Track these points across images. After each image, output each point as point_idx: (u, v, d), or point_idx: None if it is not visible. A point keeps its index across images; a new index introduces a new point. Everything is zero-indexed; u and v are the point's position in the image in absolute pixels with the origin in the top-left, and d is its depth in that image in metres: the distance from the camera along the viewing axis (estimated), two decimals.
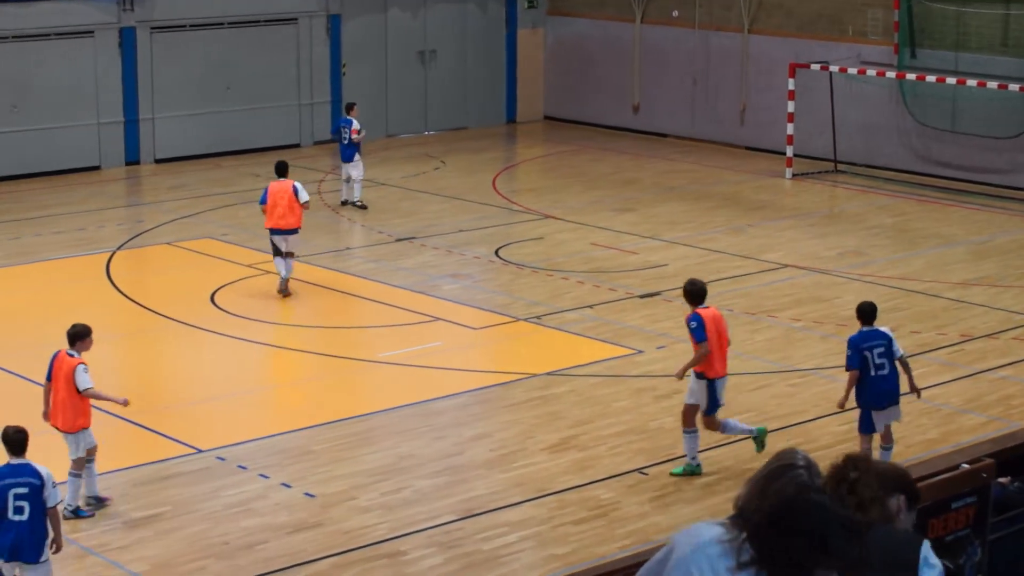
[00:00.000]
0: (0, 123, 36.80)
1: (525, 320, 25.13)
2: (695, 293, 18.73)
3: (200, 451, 19.70)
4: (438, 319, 25.17)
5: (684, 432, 18.79)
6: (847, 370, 18.09)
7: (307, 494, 18.28)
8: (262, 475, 18.87)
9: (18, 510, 14.55)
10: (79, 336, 17.67)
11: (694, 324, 18.39)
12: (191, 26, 39.45)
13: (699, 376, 18.51)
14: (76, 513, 17.27)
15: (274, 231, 26.21)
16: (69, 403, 17.29)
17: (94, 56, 38.16)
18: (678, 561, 5.90)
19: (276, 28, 40.73)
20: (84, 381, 17.20)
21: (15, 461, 14.83)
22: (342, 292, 27.15)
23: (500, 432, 20.40)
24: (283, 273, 26.27)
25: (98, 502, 17.65)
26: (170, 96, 39.01)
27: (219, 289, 26.79)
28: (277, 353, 23.99)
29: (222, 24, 39.86)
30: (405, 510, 17.80)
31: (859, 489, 7.48)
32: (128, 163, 38.53)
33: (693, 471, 18.78)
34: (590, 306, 25.84)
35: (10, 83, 36.91)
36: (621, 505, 17.97)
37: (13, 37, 36.96)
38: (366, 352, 23.99)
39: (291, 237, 26.23)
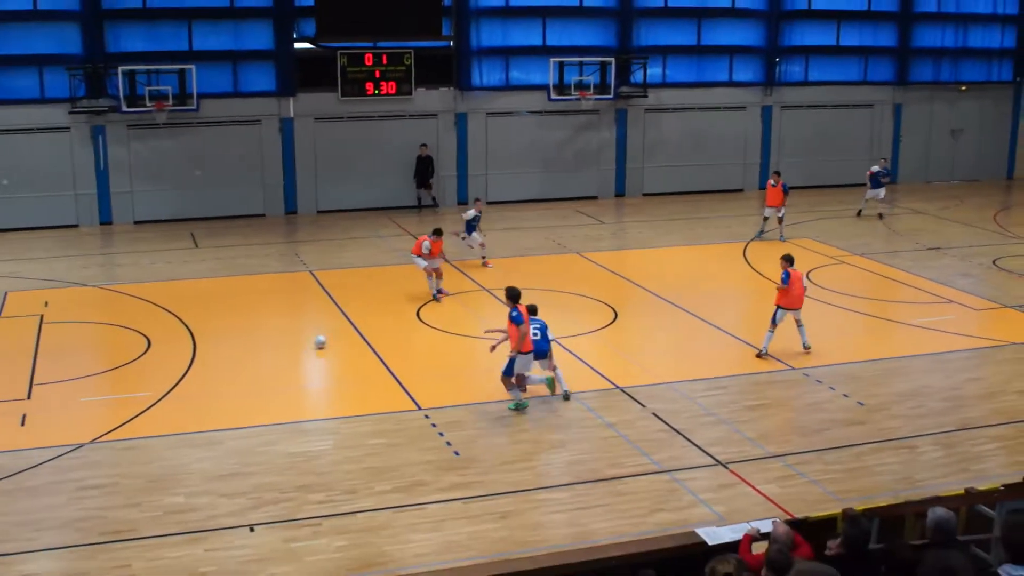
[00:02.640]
0: (683, 160, 37.74)
1: (1011, 307, 23.64)
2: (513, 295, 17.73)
3: (793, 368, 19.63)
4: (951, 301, 24.02)
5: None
6: None
7: (859, 403, 17.93)
8: (831, 387, 18.60)
9: (534, 334, 17.60)
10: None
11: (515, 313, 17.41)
12: (807, 105, 39.09)
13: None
14: None
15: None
16: None
17: (746, 122, 38.44)
18: None
19: (857, 110, 39.77)
20: None
21: (520, 307, 17.43)
22: (889, 279, 26.30)
23: (989, 377, 19.29)
24: None
25: None
26: (788, 149, 38.92)
27: (813, 270, 26.49)
28: (837, 312, 23.46)
29: (826, 106, 39.30)
30: (921, 420, 17.17)
31: None
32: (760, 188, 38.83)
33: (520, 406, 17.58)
34: None
35: (692, 137, 37.80)
36: None
37: (699, 108, 37.78)
38: (903, 317, 23.16)
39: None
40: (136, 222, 33.08)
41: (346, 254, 28.74)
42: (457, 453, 15.93)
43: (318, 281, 25.81)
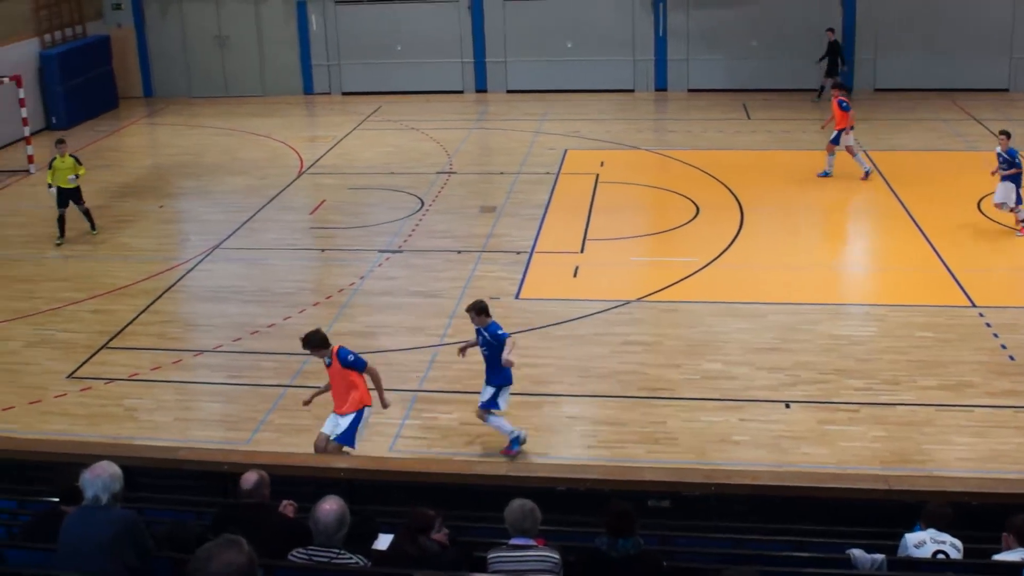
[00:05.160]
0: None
1: None
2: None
3: None
4: None
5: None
6: None
7: None
8: None
9: None
10: None
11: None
12: None
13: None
14: None
15: None
16: None
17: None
18: None
19: None
20: None
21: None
22: None
23: None
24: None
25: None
26: None
27: None
28: None
29: None
30: None
31: None
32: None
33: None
34: None
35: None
36: None
37: None
38: None
39: None
40: (690, 90, 33.63)
41: (902, 136, 27.56)
42: (1012, 358, 14.97)
43: (871, 161, 25.00)
